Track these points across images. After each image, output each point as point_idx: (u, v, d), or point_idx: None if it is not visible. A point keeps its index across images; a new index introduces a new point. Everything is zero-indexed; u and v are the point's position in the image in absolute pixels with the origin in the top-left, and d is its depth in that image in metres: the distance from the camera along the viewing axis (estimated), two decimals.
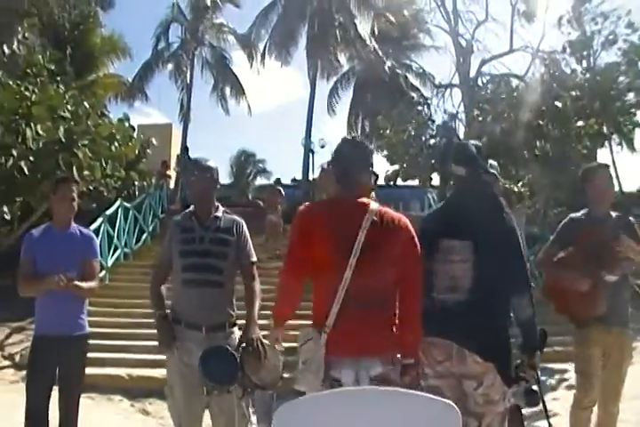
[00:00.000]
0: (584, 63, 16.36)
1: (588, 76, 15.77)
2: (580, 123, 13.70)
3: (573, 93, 14.00)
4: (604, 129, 14.84)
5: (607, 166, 4.36)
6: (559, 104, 13.48)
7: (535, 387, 3.14)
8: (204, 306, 3.48)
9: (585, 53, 16.06)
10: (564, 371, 7.65)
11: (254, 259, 3.74)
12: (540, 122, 13.28)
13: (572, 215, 4.24)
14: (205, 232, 3.61)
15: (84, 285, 3.96)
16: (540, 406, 3.41)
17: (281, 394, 3.69)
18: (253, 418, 3.73)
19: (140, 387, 6.77)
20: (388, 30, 24.76)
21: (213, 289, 3.54)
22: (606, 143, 17.48)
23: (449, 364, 3.03)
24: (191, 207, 3.79)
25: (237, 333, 3.63)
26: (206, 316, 3.50)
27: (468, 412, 2.96)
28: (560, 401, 6.49)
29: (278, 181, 16.22)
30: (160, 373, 5.51)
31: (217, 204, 3.76)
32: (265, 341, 3.37)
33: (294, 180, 21.33)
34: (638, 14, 16.13)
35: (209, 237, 3.60)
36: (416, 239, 2.89)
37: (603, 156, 18.62)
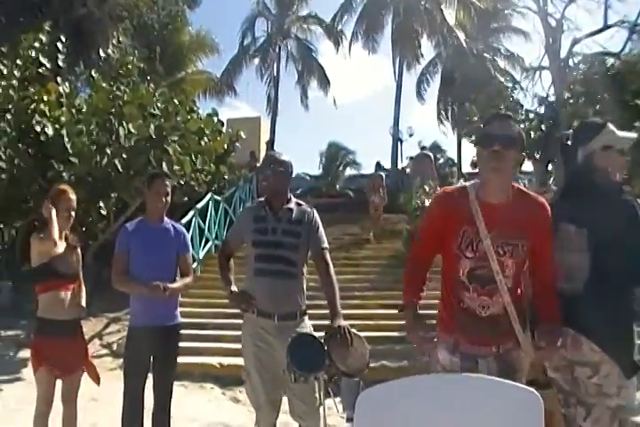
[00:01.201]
0: None
1: None
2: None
3: None
4: None
5: None
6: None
7: None
8: (276, 295, 3.57)
9: None
10: None
11: (326, 245, 3.77)
12: (638, 101, 12.65)
13: None
14: (278, 223, 3.69)
15: (179, 285, 4.11)
16: None
17: (367, 382, 3.70)
18: (340, 406, 3.76)
19: (231, 375, 6.95)
20: (474, 14, 24.17)
21: (285, 280, 3.62)
22: None
23: (563, 351, 2.92)
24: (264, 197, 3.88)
25: (307, 322, 3.72)
26: (278, 305, 3.59)
27: (579, 401, 2.87)
28: None
29: (379, 165, 16.47)
30: None
31: (290, 195, 3.83)
32: (352, 329, 3.41)
33: (383, 168, 21.21)
34: None
35: (281, 229, 3.68)
36: None
37: None
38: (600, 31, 17.59)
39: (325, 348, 3.32)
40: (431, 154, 16.40)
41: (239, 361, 7.25)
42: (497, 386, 2.08)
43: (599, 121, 3.18)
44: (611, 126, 3.09)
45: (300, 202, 3.87)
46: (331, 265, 3.71)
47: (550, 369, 3.01)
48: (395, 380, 2.08)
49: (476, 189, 2.64)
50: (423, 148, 19.16)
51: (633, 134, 3.16)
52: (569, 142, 3.15)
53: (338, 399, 3.71)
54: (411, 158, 22.81)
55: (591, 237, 2.82)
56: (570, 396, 2.91)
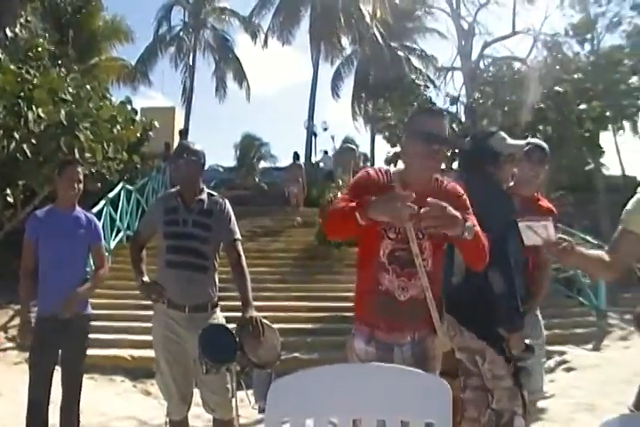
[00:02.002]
0: (587, 46, 16.33)
1: (591, 59, 15.69)
2: (583, 106, 13.68)
3: (576, 76, 13.92)
4: (607, 112, 14.80)
5: None
6: (560, 88, 13.45)
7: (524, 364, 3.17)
8: (187, 287, 3.55)
9: (588, 36, 16.00)
10: (562, 353, 7.75)
11: (238, 236, 3.76)
12: (542, 105, 13.26)
13: None
14: (189, 215, 3.66)
15: (88, 286, 4.03)
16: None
17: (279, 374, 3.74)
18: (252, 397, 3.78)
19: (142, 367, 6.86)
20: (391, 12, 24.59)
21: (195, 272, 3.60)
22: (609, 126, 17.41)
23: (458, 339, 3.09)
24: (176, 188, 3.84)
25: (219, 313, 3.71)
26: (188, 296, 3.57)
27: (484, 386, 3.04)
28: (557, 383, 6.60)
29: (296, 155, 16.72)
30: None
31: (202, 186, 3.80)
32: (264, 320, 3.44)
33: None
34: None
35: (192, 220, 3.65)
36: None
37: (605, 139, 18.64)
38: (508, 37, 18.38)
39: (237, 339, 3.34)
40: (355, 148, 16.80)
41: (150, 353, 7.11)
42: (406, 375, 2.13)
43: (492, 129, 3.36)
44: (501, 134, 3.28)
45: (213, 193, 3.84)
46: (243, 257, 3.71)
47: (457, 351, 3.17)
48: (305, 370, 2.11)
49: (400, 175, 2.65)
50: (349, 142, 19.56)
51: (521, 142, 3.36)
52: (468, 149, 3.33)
53: (250, 391, 3.75)
54: (325, 153, 23.07)
55: None
56: (473, 377, 3.07)
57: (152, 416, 5.53)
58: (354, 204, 2.40)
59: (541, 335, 3.87)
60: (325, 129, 24.69)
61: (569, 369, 7.27)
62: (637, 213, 2.58)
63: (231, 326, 3.50)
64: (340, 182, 13.16)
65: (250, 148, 28.92)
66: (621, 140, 21.28)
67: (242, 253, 3.72)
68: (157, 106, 24.74)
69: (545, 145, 3.82)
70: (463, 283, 3.07)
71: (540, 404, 4.83)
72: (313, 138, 25.15)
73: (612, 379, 6.10)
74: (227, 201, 3.83)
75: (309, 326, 8.45)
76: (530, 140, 3.99)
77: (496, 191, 3.24)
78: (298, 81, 58.40)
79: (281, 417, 2.01)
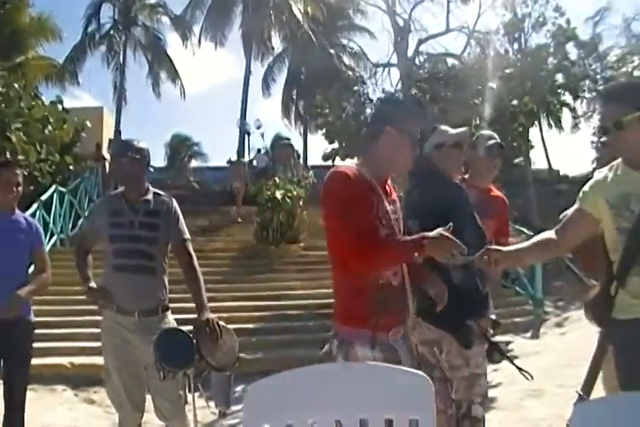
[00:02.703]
0: (516, 45, 16.79)
1: (519, 56, 16.14)
2: (515, 102, 14.06)
3: (507, 72, 14.31)
4: (535, 108, 15.28)
5: None
6: (493, 85, 13.79)
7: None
8: (136, 291, 3.42)
9: (517, 35, 16.46)
10: (507, 343, 7.93)
11: (187, 236, 3.65)
12: (476, 101, 13.55)
13: None
14: (135, 216, 3.52)
15: (33, 287, 3.82)
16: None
17: (238, 375, 3.67)
18: (211, 402, 3.71)
19: (84, 375, 6.61)
20: (323, 10, 24.68)
21: (144, 275, 3.47)
22: (536, 122, 18.00)
23: (417, 332, 3.09)
24: (120, 189, 3.71)
25: (170, 317, 3.59)
26: (138, 301, 3.44)
27: (444, 377, 3.06)
28: (502, 371, 6.74)
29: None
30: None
31: (147, 185, 3.65)
32: (221, 322, 3.37)
33: (230, 161, 21.08)
34: None
35: (139, 222, 3.52)
36: None
37: (533, 134, 19.25)
38: (443, 34, 18.71)
39: (194, 342, 3.26)
40: (293, 144, 17.01)
41: (91, 360, 7.01)
42: (388, 372, 2.12)
43: (432, 126, 3.41)
44: (442, 127, 3.34)
45: (159, 192, 3.70)
46: (194, 257, 3.60)
47: (418, 344, 3.19)
48: (286, 371, 2.08)
49: (368, 170, 2.55)
50: (286, 139, 19.63)
51: (463, 129, 3.42)
52: None
53: (208, 395, 3.66)
54: (258, 151, 22.96)
55: (423, 228, 2.98)
56: (435, 369, 3.10)
57: (98, 425, 5.36)
58: (406, 242, 2.40)
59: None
60: (259, 127, 24.49)
61: (512, 358, 7.44)
62: (592, 193, 2.63)
63: (186, 328, 3.42)
64: (277, 180, 13.15)
65: (180, 147, 28.55)
66: (547, 136, 22.04)
67: (193, 253, 3.62)
68: (85, 106, 24.09)
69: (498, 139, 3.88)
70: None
71: (489, 393, 4.93)
72: (246, 136, 24.97)
73: (553, 364, 6.30)
74: (174, 200, 3.71)
75: (251, 325, 8.39)
76: (483, 132, 4.08)
77: (444, 186, 3.26)
78: (230, 79, 57.98)
79: (260, 420, 1.97)
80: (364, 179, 2.50)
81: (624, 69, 17.98)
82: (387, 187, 2.61)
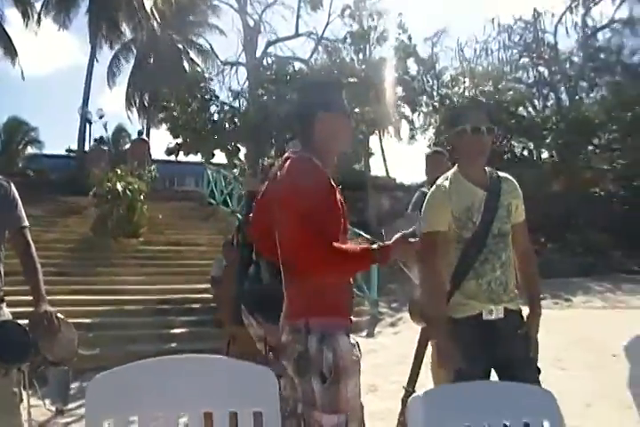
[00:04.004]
0: (361, 55, 17.52)
1: (364, 66, 16.86)
2: (357, 110, 14.65)
3: (351, 80, 14.89)
4: (376, 117, 16.01)
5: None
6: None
7: None
8: None
9: (362, 46, 17.19)
10: None
11: (26, 223, 3.41)
12: None
13: None
14: None
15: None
16: None
17: (74, 372, 3.59)
18: (47, 399, 3.59)
19: None
20: (174, 4, 24.22)
21: None
22: (376, 131, 18.88)
23: (252, 328, 3.20)
24: None
25: (6, 309, 3.29)
26: None
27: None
28: None
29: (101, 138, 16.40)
30: None
31: None
32: (59, 315, 3.21)
33: (69, 150, 20.08)
34: (407, 16, 17.72)
35: None
36: None
37: (373, 142, 20.18)
38: (292, 38, 19.10)
39: (30, 336, 3.16)
40: (148, 140, 16.72)
41: None
42: (231, 365, 2.14)
43: None
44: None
45: None
46: (32, 245, 3.36)
47: (256, 340, 3.27)
48: (129, 364, 1.99)
49: (316, 158, 2.47)
50: (140, 133, 19.08)
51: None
52: None
53: (44, 392, 3.54)
54: (95, 140, 22.09)
55: None
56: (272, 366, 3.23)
57: None
58: (366, 251, 2.34)
59: None
60: (101, 117, 23.52)
61: None
62: (441, 212, 2.85)
63: (22, 322, 3.29)
64: (119, 171, 12.80)
65: (15, 132, 26.65)
66: (386, 145, 23.17)
67: (31, 241, 3.37)
68: None
69: None
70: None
71: None
72: (88, 125, 23.88)
73: (387, 362, 6.70)
74: (12, 184, 3.40)
75: (89, 320, 8.12)
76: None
77: None
78: (74, 65, 54.48)
79: (102, 416, 1.90)
80: (323, 170, 2.44)
81: (456, 89, 19.42)
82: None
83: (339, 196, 2.46)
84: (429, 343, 4.17)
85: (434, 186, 2.99)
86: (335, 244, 2.29)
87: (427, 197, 2.99)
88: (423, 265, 2.85)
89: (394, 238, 2.33)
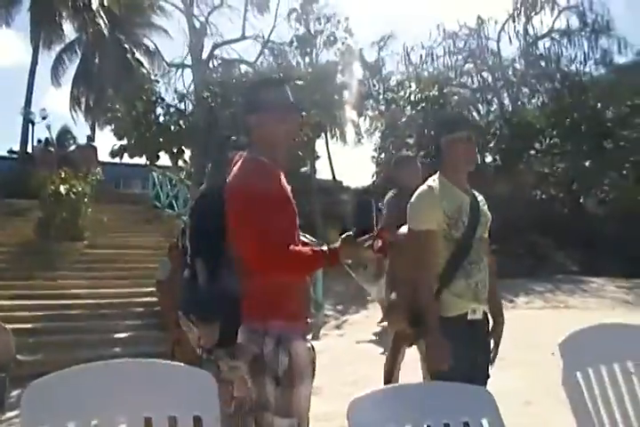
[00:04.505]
0: (307, 58, 17.62)
1: (310, 70, 16.95)
2: (303, 113, 14.71)
3: (298, 83, 14.96)
4: (322, 120, 16.12)
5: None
6: None
7: None
8: None
9: (309, 49, 17.28)
10: None
11: None
12: None
13: None
14: None
15: None
16: None
17: (14, 379, 3.54)
18: None
19: None
20: (120, 4, 23.86)
21: None
22: (322, 134, 18.98)
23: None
24: None
25: None
26: None
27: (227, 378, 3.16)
28: None
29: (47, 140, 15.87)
30: None
31: None
32: None
33: (11, 151, 19.52)
34: (354, 21, 17.92)
35: None
36: None
37: (319, 145, 20.27)
38: (238, 40, 19.05)
39: None
40: (95, 146, 16.60)
41: None
42: (170, 369, 2.12)
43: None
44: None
45: None
46: None
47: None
48: (67, 369, 1.96)
49: (266, 157, 2.48)
50: (89, 138, 18.82)
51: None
52: None
53: None
54: (39, 141, 21.58)
55: None
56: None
57: None
58: (317, 253, 2.32)
59: None
60: (44, 118, 22.97)
61: None
62: (433, 212, 2.89)
63: None
64: (63, 174, 12.56)
65: None
66: (332, 148, 23.28)
67: None
68: None
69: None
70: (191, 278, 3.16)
71: None
72: (30, 126, 23.31)
73: (332, 364, 6.75)
74: None
75: (30, 325, 7.96)
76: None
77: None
78: (16, 64, 53.00)
79: (39, 422, 1.87)
80: (274, 169, 2.46)
81: (402, 93, 19.69)
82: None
83: (290, 193, 2.47)
84: (404, 347, 4.23)
85: (422, 188, 3.02)
86: (288, 246, 2.31)
87: (415, 197, 3.01)
88: (417, 263, 2.90)
89: (339, 240, 2.33)
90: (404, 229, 3.09)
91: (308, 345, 2.44)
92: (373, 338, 8.60)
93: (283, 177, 2.48)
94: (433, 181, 3.01)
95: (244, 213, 2.33)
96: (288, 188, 2.47)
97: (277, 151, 2.52)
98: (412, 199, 3.01)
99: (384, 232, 2.58)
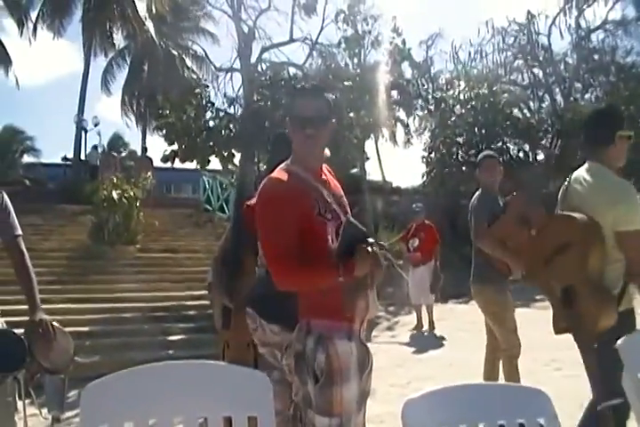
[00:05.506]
0: (355, 59, 17.50)
1: (358, 71, 16.84)
2: (352, 114, 14.62)
3: (346, 84, 14.88)
4: (371, 121, 15.99)
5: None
6: (332, 96, 14.25)
7: None
8: None
9: (357, 50, 17.16)
10: None
11: (20, 232, 3.39)
12: None
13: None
14: None
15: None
16: None
17: (72, 380, 3.55)
18: (43, 408, 3.55)
19: None
20: (168, 10, 24.23)
21: None
22: (372, 135, 18.85)
23: (258, 333, 3.19)
24: None
25: (0, 318, 3.27)
26: None
27: (286, 380, 3.11)
28: None
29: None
30: None
31: None
32: (55, 323, 3.20)
33: (65, 158, 20.04)
34: (401, 20, 17.75)
35: None
36: None
37: (369, 146, 20.18)
38: (286, 43, 19.07)
39: (26, 344, 3.15)
40: (115, 153, 17.37)
41: None
42: (225, 370, 2.15)
43: None
44: None
45: None
46: (26, 254, 3.34)
47: (259, 346, 3.25)
48: (124, 370, 1.99)
49: (297, 165, 2.52)
50: (144, 149, 19.29)
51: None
52: None
53: (40, 401, 3.49)
54: (93, 147, 22.12)
55: None
56: (274, 371, 3.19)
57: None
58: (330, 268, 2.31)
59: None
60: (96, 124, 23.56)
61: None
62: None
63: (18, 331, 3.27)
64: (115, 180, 12.80)
65: (12, 140, 26.65)
66: (382, 149, 23.18)
67: (25, 251, 3.35)
68: None
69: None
70: (267, 275, 3.14)
71: None
72: (83, 133, 23.90)
73: (385, 365, 6.67)
74: (4, 193, 3.39)
75: (86, 328, 8.11)
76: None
77: None
78: (69, 73, 54.37)
79: (98, 422, 1.89)
80: (298, 179, 2.46)
81: (451, 92, 19.42)
82: (323, 176, 2.59)
83: (312, 209, 2.42)
84: None
85: (620, 181, 3.04)
86: (299, 261, 2.33)
87: (623, 191, 3.02)
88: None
89: (357, 254, 2.29)
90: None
91: (353, 345, 2.41)
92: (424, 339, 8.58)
93: (306, 190, 2.45)
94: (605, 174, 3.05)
95: (259, 230, 2.45)
96: (311, 202, 2.43)
97: (309, 159, 2.53)
98: (620, 193, 3.01)
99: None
